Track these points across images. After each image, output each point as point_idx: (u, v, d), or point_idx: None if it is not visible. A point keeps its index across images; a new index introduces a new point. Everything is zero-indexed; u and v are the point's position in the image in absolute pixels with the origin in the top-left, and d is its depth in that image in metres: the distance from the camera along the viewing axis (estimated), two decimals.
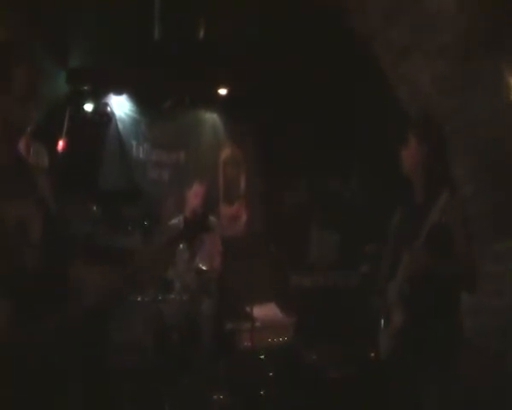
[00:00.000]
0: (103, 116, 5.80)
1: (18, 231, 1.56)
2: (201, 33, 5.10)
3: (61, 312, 1.60)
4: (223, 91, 6.14)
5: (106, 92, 5.84)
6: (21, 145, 2.97)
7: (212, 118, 6.53)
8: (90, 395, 3.28)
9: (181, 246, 3.71)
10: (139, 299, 4.47)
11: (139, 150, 6.11)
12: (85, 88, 5.68)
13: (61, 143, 5.34)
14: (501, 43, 3.06)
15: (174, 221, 5.03)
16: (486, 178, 3.19)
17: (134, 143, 6.09)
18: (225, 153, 6.52)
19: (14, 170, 1.65)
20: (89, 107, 5.67)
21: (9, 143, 1.67)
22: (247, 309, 4.54)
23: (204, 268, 4.75)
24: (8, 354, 1.48)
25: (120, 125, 5.97)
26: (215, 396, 4.29)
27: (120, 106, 5.98)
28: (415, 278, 2.54)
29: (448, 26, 3.22)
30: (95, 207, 5.29)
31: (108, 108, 5.80)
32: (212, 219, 4.57)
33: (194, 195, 4.94)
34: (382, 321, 2.76)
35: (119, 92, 5.92)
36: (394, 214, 2.91)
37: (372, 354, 3.96)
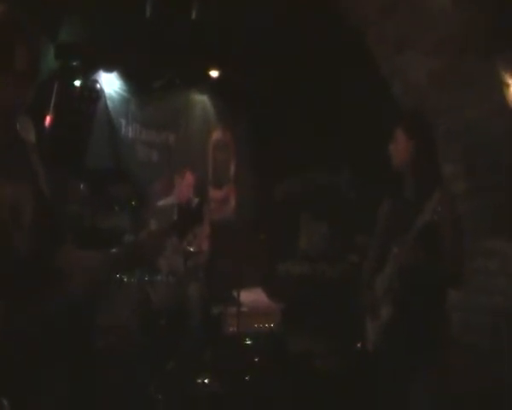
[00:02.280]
0: (92, 93, 5.70)
1: (12, 212, 1.55)
2: (194, 13, 5.03)
3: (48, 294, 1.59)
4: (214, 74, 6.06)
5: (96, 69, 5.73)
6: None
7: (202, 100, 6.45)
8: (76, 377, 3.28)
9: None
10: (125, 280, 4.46)
11: (128, 129, 6.01)
12: (74, 64, 5.57)
13: (48, 120, 5.24)
14: (497, 41, 3.05)
15: (163, 202, 5.00)
16: (478, 175, 3.21)
17: (123, 121, 5.98)
18: (215, 136, 6.45)
19: (11, 148, 1.63)
20: (78, 83, 5.56)
21: (8, 121, 1.64)
22: (234, 294, 4.56)
23: (192, 250, 4.74)
24: None
25: (110, 103, 5.86)
26: (200, 380, 4.32)
27: (110, 83, 5.87)
28: (404, 272, 2.56)
29: (444, 22, 3.20)
30: (82, 187, 5.23)
31: (98, 85, 5.69)
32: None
33: (187, 185, 4.91)
34: (370, 314, 2.78)
35: (109, 69, 5.81)
36: (382, 206, 2.91)
37: (358, 346, 4.01)
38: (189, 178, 4.95)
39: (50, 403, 1.68)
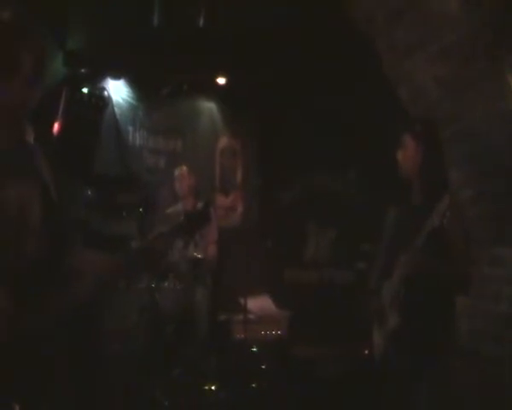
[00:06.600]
0: (100, 100, 5.73)
1: (19, 216, 1.56)
2: (201, 21, 5.06)
3: (56, 299, 1.60)
4: (221, 80, 6.09)
5: (103, 76, 5.78)
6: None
7: (210, 107, 6.48)
8: (82, 381, 3.28)
9: None
10: (133, 286, 4.46)
11: (136, 136, 6.06)
12: (83, 71, 5.62)
13: (56, 127, 5.28)
14: (505, 48, 3.04)
15: (172, 209, 5.02)
16: (485, 182, 3.18)
17: (131, 128, 6.03)
18: (222, 143, 6.49)
19: (18, 149, 1.64)
20: (86, 90, 5.60)
21: (14, 124, 1.66)
22: (241, 301, 4.55)
23: (199, 257, 4.74)
24: (6, 340, 1.47)
25: (117, 111, 5.91)
26: (206, 387, 4.31)
27: (118, 91, 5.92)
28: (411, 279, 2.55)
29: (452, 28, 3.19)
30: (89, 193, 5.26)
31: (106, 93, 5.72)
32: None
33: (178, 180, 4.95)
34: (377, 321, 2.77)
35: (117, 77, 5.86)
36: (389, 213, 2.91)
37: (365, 352, 3.99)
38: (182, 173, 4.99)
39: (59, 407, 1.68)
